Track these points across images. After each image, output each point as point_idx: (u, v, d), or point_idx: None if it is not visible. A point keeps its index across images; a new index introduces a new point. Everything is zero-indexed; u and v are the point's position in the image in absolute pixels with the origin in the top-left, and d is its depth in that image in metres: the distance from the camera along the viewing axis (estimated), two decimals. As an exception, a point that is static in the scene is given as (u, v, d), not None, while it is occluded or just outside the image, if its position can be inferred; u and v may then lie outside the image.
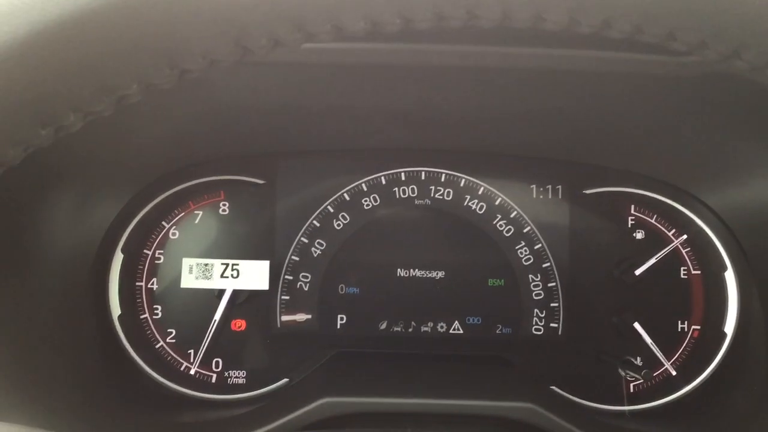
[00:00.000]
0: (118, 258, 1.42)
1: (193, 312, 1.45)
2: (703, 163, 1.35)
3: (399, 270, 1.47)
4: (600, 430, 1.32)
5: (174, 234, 1.46)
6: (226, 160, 1.46)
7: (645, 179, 1.47)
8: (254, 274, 1.44)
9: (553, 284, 1.47)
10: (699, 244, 1.47)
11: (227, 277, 1.44)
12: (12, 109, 0.51)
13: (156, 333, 1.45)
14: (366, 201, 1.47)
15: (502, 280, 1.47)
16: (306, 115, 1.27)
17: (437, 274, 1.47)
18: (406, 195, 1.48)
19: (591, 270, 1.47)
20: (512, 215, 1.47)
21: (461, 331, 1.47)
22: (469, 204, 1.47)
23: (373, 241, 1.47)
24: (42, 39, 0.48)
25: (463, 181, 1.48)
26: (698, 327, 1.46)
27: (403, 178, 1.48)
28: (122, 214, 1.41)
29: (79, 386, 1.23)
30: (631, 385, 1.46)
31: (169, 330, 1.45)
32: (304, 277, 1.46)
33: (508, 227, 1.47)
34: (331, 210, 1.47)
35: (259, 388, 1.45)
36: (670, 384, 1.46)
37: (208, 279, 1.44)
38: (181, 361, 1.45)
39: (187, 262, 1.44)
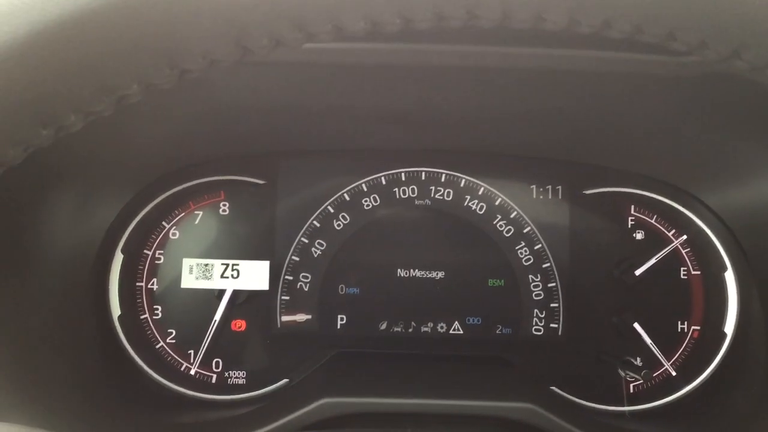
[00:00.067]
0: (118, 258, 1.43)
1: (193, 312, 1.45)
2: (703, 163, 1.35)
3: (399, 270, 1.47)
4: (600, 430, 1.31)
5: (174, 234, 1.46)
6: (227, 161, 1.46)
7: (645, 179, 1.47)
8: (254, 275, 1.44)
9: (553, 284, 1.47)
10: (699, 244, 1.47)
11: (227, 277, 1.44)
12: (12, 109, 0.51)
13: (156, 333, 1.45)
14: (366, 201, 1.47)
15: (502, 281, 1.47)
16: (306, 115, 1.27)
17: (437, 274, 1.47)
18: (407, 195, 1.48)
19: (591, 270, 1.47)
20: (512, 215, 1.47)
21: (461, 332, 1.47)
22: (469, 204, 1.48)
23: (374, 241, 1.47)
24: (42, 39, 0.48)
25: (463, 181, 1.48)
26: (698, 327, 1.46)
27: (403, 178, 1.48)
28: (122, 215, 1.41)
29: (79, 386, 1.23)
30: (631, 385, 1.45)
31: (169, 330, 1.46)
32: (304, 277, 1.46)
33: (508, 227, 1.47)
34: (332, 210, 1.47)
35: (259, 389, 1.45)
36: (670, 384, 1.46)
37: (209, 279, 1.44)
38: (181, 361, 1.45)
39: (187, 263, 1.44)
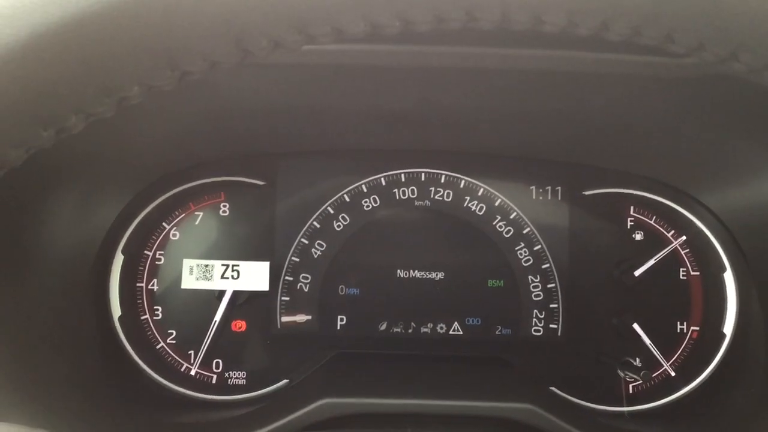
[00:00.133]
0: (119, 259, 1.43)
1: (194, 313, 1.45)
2: (703, 164, 1.35)
3: (399, 271, 1.48)
4: (599, 430, 1.32)
5: (174, 235, 1.47)
6: (227, 162, 1.46)
7: (644, 180, 1.48)
8: (254, 275, 1.44)
9: (553, 285, 1.47)
10: (698, 245, 1.47)
11: (227, 278, 1.44)
12: (14, 111, 0.51)
13: (156, 334, 1.45)
14: (366, 202, 1.47)
15: (502, 281, 1.47)
16: (306, 116, 1.27)
17: (437, 275, 1.48)
18: (406, 196, 1.48)
19: (590, 271, 1.47)
20: (512, 216, 1.47)
21: (461, 332, 1.47)
22: (469, 205, 1.48)
23: (373, 242, 1.47)
24: (44, 41, 0.49)
25: (463, 182, 1.48)
26: (697, 328, 1.47)
27: (403, 179, 1.48)
28: (123, 215, 1.41)
29: (79, 387, 1.24)
30: (630, 386, 1.46)
31: (169, 331, 1.46)
32: (304, 278, 1.47)
33: (507, 228, 1.47)
34: (331, 211, 1.47)
35: (260, 389, 1.45)
36: (669, 385, 1.46)
37: (209, 280, 1.44)
38: (182, 361, 1.45)
39: (187, 263, 1.44)
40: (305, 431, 1.15)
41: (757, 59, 0.54)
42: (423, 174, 1.48)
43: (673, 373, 1.46)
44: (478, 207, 1.47)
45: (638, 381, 1.43)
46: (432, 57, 1.01)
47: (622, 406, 1.43)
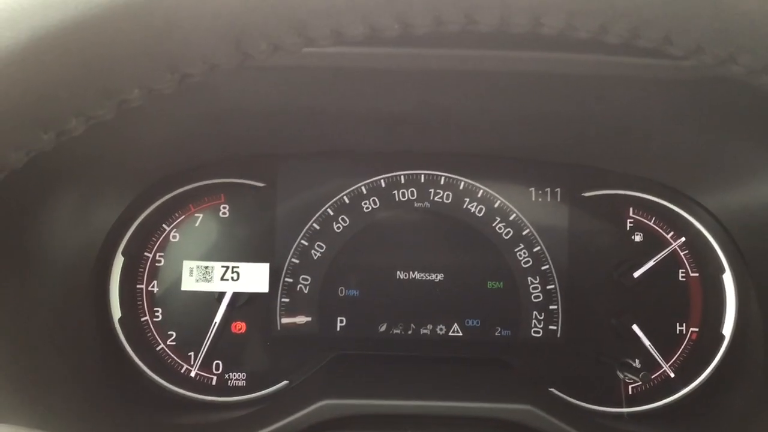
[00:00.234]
0: (119, 261, 1.43)
1: (194, 314, 1.45)
2: (702, 165, 1.35)
3: (398, 272, 1.48)
4: (599, 432, 1.32)
5: (174, 237, 1.47)
6: (227, 163, 1.47)
7: (644, 182, 1.48)
8: (254, 277, 1.44)
9: (552, 286, 1.47)
10: (697, 246, 1.47)
11: (227, 279, 1.44)
12: (14, 114, 0.51)
13: (156, 335, 1.46)
14: (366, 204, 1.47)
15: (501, 283, 1.48)
16: (306, 118, 1.27)
17: (437, 276, 1.48)
18: (406, 198, 1.48)
19: (590, 272, 1.47)
20: (511, 218, 1.47)
21: (460, 334, 1.48)
22: (469, 207, 1.48)
23: (373, 243, 1.48)
24: (44, 44, 0.49)
25: (463, 183, 1.48)
26: (696, 329, 1.47)
27: (402, 181, 1.48)
28: (123, 217, 1.41)
29: (79, 388, 1.24)
30: (630, 387, 1.46)
31: (169, 332, 1.46)
32: (304, 279, 1.47)
33: (507, 230, 1.47)
34: (331, 213, 1.47)
35: (260, 390, 1.45)
36: (668, 386, 1.46)
37: (209, 282, 1.44)
38: (182, 363, 1.45)
39: (187, 265, 1.44)
40: (305, 433, 1.16)
41: (755, 62, 0.54)
42: (422, 176, 1.49)
43: (672, 374, 1.46)
44: (478, 208, 1.48)
45: (637, 382, 1.43)
46: (431, 59, 1.01)
47: (622, 407, 1.43)
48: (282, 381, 1.45)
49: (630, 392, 1.46)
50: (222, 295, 1.44)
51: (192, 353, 1.45)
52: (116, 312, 1.42)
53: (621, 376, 1.41)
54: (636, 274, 1.44)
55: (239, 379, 1.46)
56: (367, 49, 0.99)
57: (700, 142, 1.27)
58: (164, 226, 1.46)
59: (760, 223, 1.34)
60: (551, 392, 1.44)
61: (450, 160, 1.48)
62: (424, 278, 1.48)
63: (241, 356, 1.46)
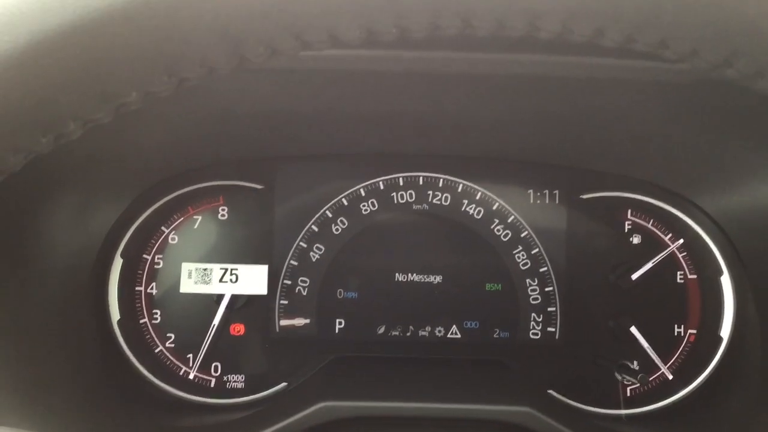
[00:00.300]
0: (118, 263, 1.43)
1: (192, 316, 1.45)
2: (699, 167, 1.36)
3: (397, 274, 1.48)
4: (597, 433, 1.32)
5: (173, 239, 1.47)
6: (225, 166, 1.47)
7: (641, 184, 1.48)
8: (253, 279, 1.44)
9: (551, 288, 1.47)
10: (695, 248, 1.47)
11: (226, 281, 1.44)
12: (12, 117, 0.51)
13: (155, 337, 1.46)
14: (364, 206, 1.48)
15: (500, 285, 1.48)
16: (304, 120, 1.28)
17: (435, 278, 1.48)
18: (404, 200, 1.48)
19: (588, 274, 1.47)
20: (510, 220, 1.48)
21: (459, 336, 1.48)
22: (467, 209, 1.48)
23: (372, 245, 1.48)
24: (42, 48, 0.49)
25: (461, 186, 1.48)
26: (694, 331, 1.47)
27: (401, 183, 1.48)
28: (122, 219, 1.41)
29: (78, 390, 1.24)
30: (628, 389, 1.46)
31: (168, 334, 1.46)
32: (302, 281, 1.47)
33: (505, 232, 1.48)
34: (330, 215, 1.47)
35: (258, 392, 1.45)
36: (666, 388, 1.46)
37: (207, 284, 1.44)
38: (180, 365, 1.46)
39: (186, 267, 1.45)
40: (304, 434, 1.16)
41: (750, 66, 0.54)
42: (421, 178, 1.49)
43: (670, 376, 1.46)
44: (476, 210, 1.48)
45: (636, 384, 1.43)
46: (429, 62, 1.01)
47: (620, 409, 1.43)
48: (281, 383, 1.45)
49: (628, 394, 1.46)
50: (221, 297, 1.44)
51: (191, 355, 1.45)
52: (115, 314, 1.42)
53: (619, 377, 1.41)
54: (634, 276, 1.45)
55: (238, 381, 1.46)
56: (364, 51, 1.00)
57: (698, 144, 1.27)
58: (163, 228, 1.46)
59: (758, 225, 1.34)
60: (550, 394, 1.44)
61: (448, 162, 1.49)
62: (422, 280, 1.48)
63: (239, 358, 1.46)
